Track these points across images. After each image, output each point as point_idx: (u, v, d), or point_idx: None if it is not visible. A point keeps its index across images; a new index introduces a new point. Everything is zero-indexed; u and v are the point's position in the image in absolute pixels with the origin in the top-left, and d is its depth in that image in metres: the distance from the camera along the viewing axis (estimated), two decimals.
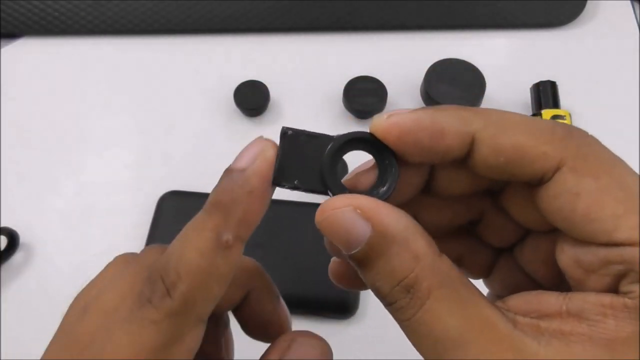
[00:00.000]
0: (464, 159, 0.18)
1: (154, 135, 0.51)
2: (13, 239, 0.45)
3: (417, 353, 0.18)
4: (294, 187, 0.20)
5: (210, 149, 0.50)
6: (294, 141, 0.19)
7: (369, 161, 0.20)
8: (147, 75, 0.54)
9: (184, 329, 0.19)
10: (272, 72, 0.53)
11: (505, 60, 0.54)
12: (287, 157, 0.19)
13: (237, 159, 0.20)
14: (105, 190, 0.48)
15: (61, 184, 0.49)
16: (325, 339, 0.22)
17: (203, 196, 0.22)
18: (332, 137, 0.20)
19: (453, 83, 0.48)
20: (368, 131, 0.19)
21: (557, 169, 0.17)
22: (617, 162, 0.17)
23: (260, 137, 0.20)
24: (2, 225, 0.46)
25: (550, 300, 0.17)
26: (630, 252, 0.16)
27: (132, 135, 0.51)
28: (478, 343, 0.16)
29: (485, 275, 0.23)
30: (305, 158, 0.19)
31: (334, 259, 0.23)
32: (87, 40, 0.56)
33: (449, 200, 0.21)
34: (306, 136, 0.20)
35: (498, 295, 0.23)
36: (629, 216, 0.16)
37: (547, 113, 0.47)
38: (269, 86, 0.51)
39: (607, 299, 0.16)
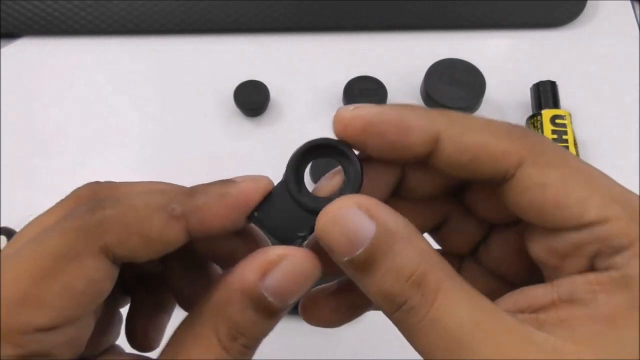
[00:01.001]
0: (427, 157, 0.18)
1: (154, 135, 0.51)
2: None
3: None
4: (304, 239, 0.20)
5: (210, 149, 0.50)
6: (266, 214, 0.19)
7: (337, 169, 0.20)
8: (147, 75, 0.54)
9: (86, 249, 0.17)
10: (272, 72, 0.53)
11: (505, 60, 0.54)
12: (274, 229, 0.20)
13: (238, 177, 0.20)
14: None
15: (61, 184, 0.49)
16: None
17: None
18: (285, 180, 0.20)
19: (453, 83, 0.48)
20: (319, 138, 0.19)
21: (519, 165, 0.18)
22: (570, 155, 0.18)
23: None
24: (2, 225, 0.46)
25: (538, 293, 0.17)
26: (601, 230, 0.17)
27: (132, 135, 0.51)
28: (493, 336, 0.16)
29: None
30: (286, 213, 0.19)
31: (302, 302, 0.22)
32: (87, 40, 0.56)
33: (416, 204, 0.21)
34: (267, 202, 0.19)
35: None
36: (594, 197, 0.17)
37: (547, 113, 0.47)
38: (269, 86, 0.51)
39: (592, 276, 0.17)
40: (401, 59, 0.54)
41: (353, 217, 0.17)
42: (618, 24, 0.56)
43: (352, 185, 0.19)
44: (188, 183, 0.23)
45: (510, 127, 0.18)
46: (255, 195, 0.19)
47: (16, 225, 0.46)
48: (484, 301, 0.17)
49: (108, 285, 0.18)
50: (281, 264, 0.18)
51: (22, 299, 0.17)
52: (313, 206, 0.19)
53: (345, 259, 0.17)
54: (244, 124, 0.51)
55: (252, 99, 0.50)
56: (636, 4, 0.57)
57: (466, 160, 0.18)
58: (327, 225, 0.17)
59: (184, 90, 0.53)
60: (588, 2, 0.55)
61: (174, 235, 0.19)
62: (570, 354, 0.15)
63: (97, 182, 0.22)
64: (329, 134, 0.20)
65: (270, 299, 0.18)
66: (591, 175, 0.17)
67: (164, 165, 0.49)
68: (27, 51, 0.56)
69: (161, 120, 0.52)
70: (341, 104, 0.50)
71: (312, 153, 0.20)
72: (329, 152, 0.19)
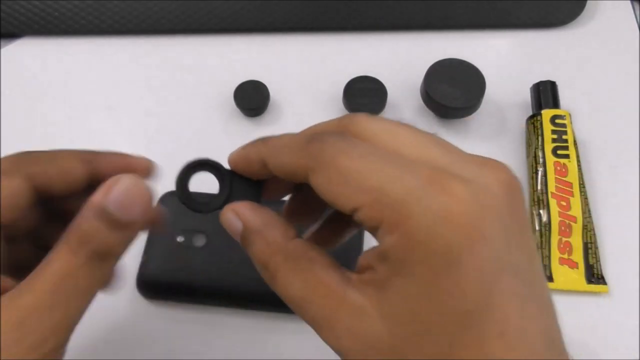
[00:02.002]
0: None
1: (153, 135, 0.51)
2: None
3: None
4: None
5: (210, 149, 0.50)
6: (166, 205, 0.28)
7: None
8: (147, 75, 0.54)
9: (15, 171, 0.27)
10: (272, 72, 0.53)
11: (505, 60, 0.54)
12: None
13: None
14: None
15: None
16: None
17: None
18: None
19: (453, 83, 0.48)
20: (204, 158, 0.26)
21: (307, 174, 0.22)
22: (340, 154, 0.21)
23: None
24: None
25: (367, 256, 0.22)
26: (357, 217, 0.21)
27: (132, 135, 0.51)
28: (314, 301, 0.22)
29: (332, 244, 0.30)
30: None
31: None
32: (87, 40, 0.56)
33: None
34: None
35: None
36: (346, 192, 0.21)
37: (547, 113, 0.47)
38: (269, 86, 0.51)
39: (372, 252, 0.21)
40: (401, 59, 0.54)
41: (230, 218, 0.25)
42: (618, 24, 0.56)
43: (224, 192, 0.26)
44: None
45: (301, 141, 0.23)
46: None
47: None
48: (318, 274, 0.22)
49: (24, 202, 0.25)
50: (118, 183, 0.24)
51: None
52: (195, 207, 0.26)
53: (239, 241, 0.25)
54: (244, 124, 0.51)
55: (252, 99, 0.50)
56: (636, 4, 0.57)
57: (283, 175, 0.23)
58: (223, 224, 0.25)
59: (183, 90, 0.53)
60: (588, 2, 0.55)
61: (82, 172, 0.27)
62: (365, 309, 0.21)
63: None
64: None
65: (111, 208, 0.23)
66: (349, 171, 0.21)
67: (163, 164, 0.49)
68: (27, 51, 0.56)
69: (161, 120, 0.52)
70: (341, 104, 0.50)
71: (197, 168, 0.26)
72: (209, 169, 0.26)
